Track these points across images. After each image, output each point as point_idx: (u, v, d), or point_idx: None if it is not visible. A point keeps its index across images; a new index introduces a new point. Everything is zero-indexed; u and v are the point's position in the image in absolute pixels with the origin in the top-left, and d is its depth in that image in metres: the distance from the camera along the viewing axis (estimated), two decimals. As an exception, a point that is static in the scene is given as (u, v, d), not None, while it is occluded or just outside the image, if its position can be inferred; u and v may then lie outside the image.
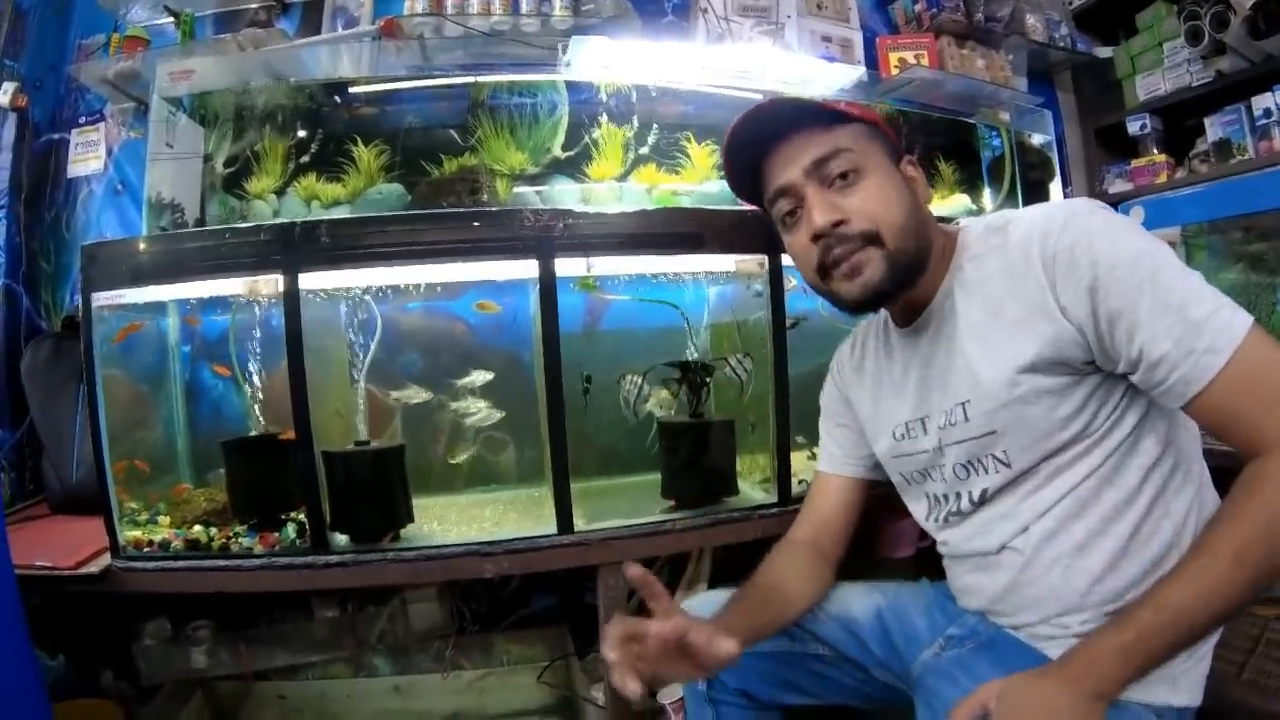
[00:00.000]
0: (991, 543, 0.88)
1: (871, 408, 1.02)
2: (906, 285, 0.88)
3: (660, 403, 1.49)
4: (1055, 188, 2.42)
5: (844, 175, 0.85)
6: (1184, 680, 0.79)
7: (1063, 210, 0.80)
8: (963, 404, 0.86)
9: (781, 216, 0.91)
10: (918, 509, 1.00)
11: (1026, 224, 0.83)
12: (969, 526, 0.91)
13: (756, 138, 0.90)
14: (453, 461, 1.60)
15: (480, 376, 1.51)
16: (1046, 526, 0.83)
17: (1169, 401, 0.75)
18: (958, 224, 0.94)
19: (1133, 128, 2.36)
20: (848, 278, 0.86)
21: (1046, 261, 0.78)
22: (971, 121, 2.35)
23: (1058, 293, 0.78)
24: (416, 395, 1.48)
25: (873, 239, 0.84)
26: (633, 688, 0.75)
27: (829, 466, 1.10)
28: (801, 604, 1.01)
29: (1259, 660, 1.10)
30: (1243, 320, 0.72)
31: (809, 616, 1.02)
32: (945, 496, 0.94)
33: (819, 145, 0.86)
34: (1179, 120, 2.32)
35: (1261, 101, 2.02)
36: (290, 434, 1.32)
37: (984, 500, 0.88)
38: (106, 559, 1.30)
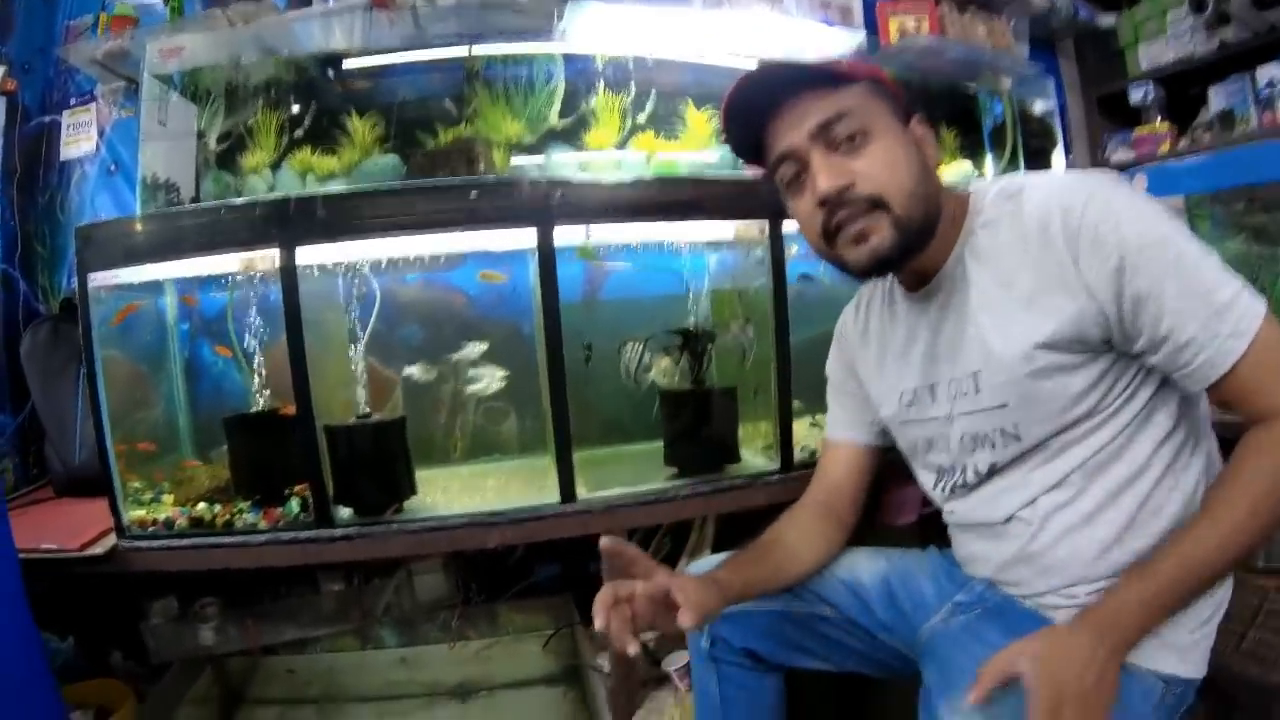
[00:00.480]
0: (998, 513, 0.88)
1: (877, 373, 1.01)
2: (915, 251, 0.86)
3: (664, 372, 1.48)
4: (1058, 156, 2.40)
5: (850, 138, 0.82)
6: (1191, 653, 0.80)
7: (1084, 185, 0.79)
8: (974, 374, 0.86)
9: (786, 181, 0.88)
10: (925, 478, 1.00)
11: (1043, 194, 0.81)
12: (975, 498, 0.91)
13: (757, 101, 0.86)
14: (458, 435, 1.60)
15: (475, 349, 1.50)
16: (1056, 499, 0.83)
17: (1191, 384, 0.77)
18: (969, 188, 0.91)
19: (1135, 96, 2.33)
20: (854, 244, 0.83)
21: (1070, 238, 0.77)
22: (973, 89, 2.33)
23: (1081, 269, 0.77)
24: (429, 372, 1.49)
25: (879, 204, 0.82)
26: (633, 648, 0.76)
27: (837, 432, 1.09)
28: (806, 560, 1.00)
29: (1259, 631, 1.10)
30: (1260, 304, 0.74)
31: (816, 578, 1.02)
32: (952, 468, 0.93)
33: (823, 108, 0.82)
34: (1182, 90, 2.29)
35: (1266, 72, 2.00)
36: (290, 409, 1.31)
37: (992, 473, 0.88)
38: (112, 539, 1.30)
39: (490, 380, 1.52)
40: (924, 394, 0.93)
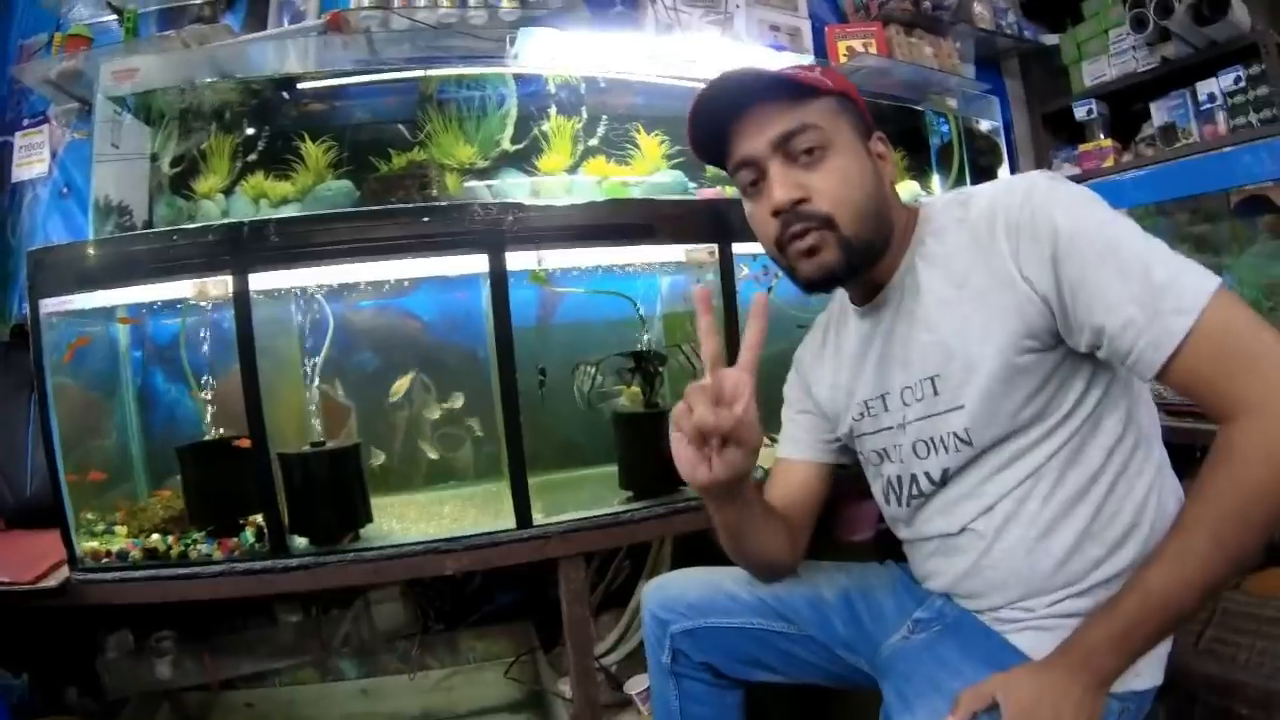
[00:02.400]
0: (953, 523, 0.88)
1: (831, 390, 1.02)
2: (863, 268, 0.87)
3: (631, 397, 1.49)
4: (1004, 173, 2.45)
5: (809, 151, 0.83)
6: (1144, 663, 0.78)
7: (1023, 182, 0.80)
8: (931, 378, 0.86)
9: (744, 185, 0.90)
10: (881, 490, 0.99)
11: (988, 196, 0.83)
12: (930, 508, 0.91)
13: (724, 104, 0.86)
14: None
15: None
16: (1008, 508, 0.83)
17: (1142, 371, 0.73)
18: (919, 203, 0.93)
19: (1080, 113, 2.41)
20: (805, 256, 0.85)
21: (1010, 231, 0.78)
22: (920, 109, 2.38)
23: (1020, 264, 0.77)
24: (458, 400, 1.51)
25: (829, 222, 0.83)
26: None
27: (791, 451, 1.08)
28: (782, 547, 0.99)
29: (1216, 629, 1.13)
30: (1210, 281, 0.70)
31: (775, 594, 1.02)
32: (903, 478, 0.93)
33: (786, 119, 0.83)
34: (1125, 105, 2.37)
35: (1206, 86, 2.07)
36: (245, 442, 1.30)
37: (945, 480, 0.88)
38: (65, 572, 1.28)
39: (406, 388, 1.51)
40: (876, 404, 0.94)
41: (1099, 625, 0.73)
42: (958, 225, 0.85)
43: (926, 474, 0.90)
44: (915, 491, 0.92)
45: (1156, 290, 0.70)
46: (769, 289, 1.51)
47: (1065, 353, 0.80)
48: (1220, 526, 0.67)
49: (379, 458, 1.59)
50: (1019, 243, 0.78)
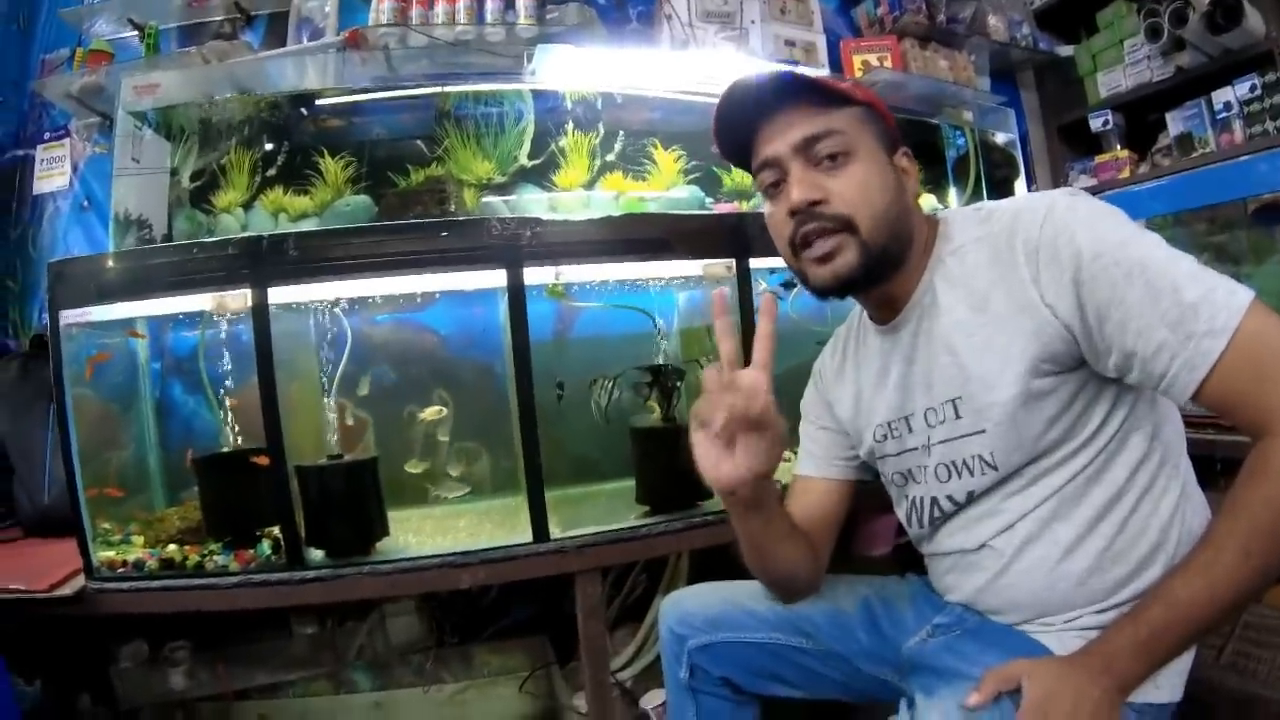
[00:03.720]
0: (972, 540, 0.87)
1: (852, 409, 1.01)
2: (878, 279, 0.86)
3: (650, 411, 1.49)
4: (1020, 185, 2.46)
5: (832, 157, 0.83)
6: (1165, 677, 0.77)
7: (1044, 200, 0.79)
8: (953, 401, 0.85)
9: (765, 186, 0.89)
10: (904, 510, 0.98)
11: (1009, 215, 0.81)
12: (951, 524, 0.91)
13: (750, 104, 0.86)
14: (411, 471, 1.59)
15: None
16: (1029, 529, 0.82)
17: (1176, 395, 0.71)
18: (938, 216, 0.92)
19: (1095, 124, 2.40)
20: (819, 262, 0.84)
21: (1029, 254, 0.77)
22: (935, 122, 2.38)
23: (1041, 287, 0.76)
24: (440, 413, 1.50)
25: (848, 225, 0.83)
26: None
27: (810, 469, 1.07)
28: (806, 562, 0.98)
29: (1238, 643, 1.11)
30: (1242, 295, 0.68)
31: (794, 608, 1.01)
32: (925, 499, 0.92)
33: (812, 123, 0.83)
34: (1141, 116, 2.36)
35: (1221, 95, 2.06)
36: (264, 460, 1.31)
37: (970, 500, 0.87)
38: (80, 581, 1.28)
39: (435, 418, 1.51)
40: (900, 425, 0.93)
41: (1122, 632, 0.72)
42: (977, 244, 0.84)
43: (949, 496, 0.89)
44: (938, 513, 0.91)
45: (1188, 311, 0.68)
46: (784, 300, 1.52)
47: (1089, 374, 0.79)
48: (1251, 541, 0.66)
49: (420, 466, 1.59)
50: (1039, 266, 0.76)
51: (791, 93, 0.85)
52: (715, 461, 0.78)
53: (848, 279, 0.85)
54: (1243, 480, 0.69)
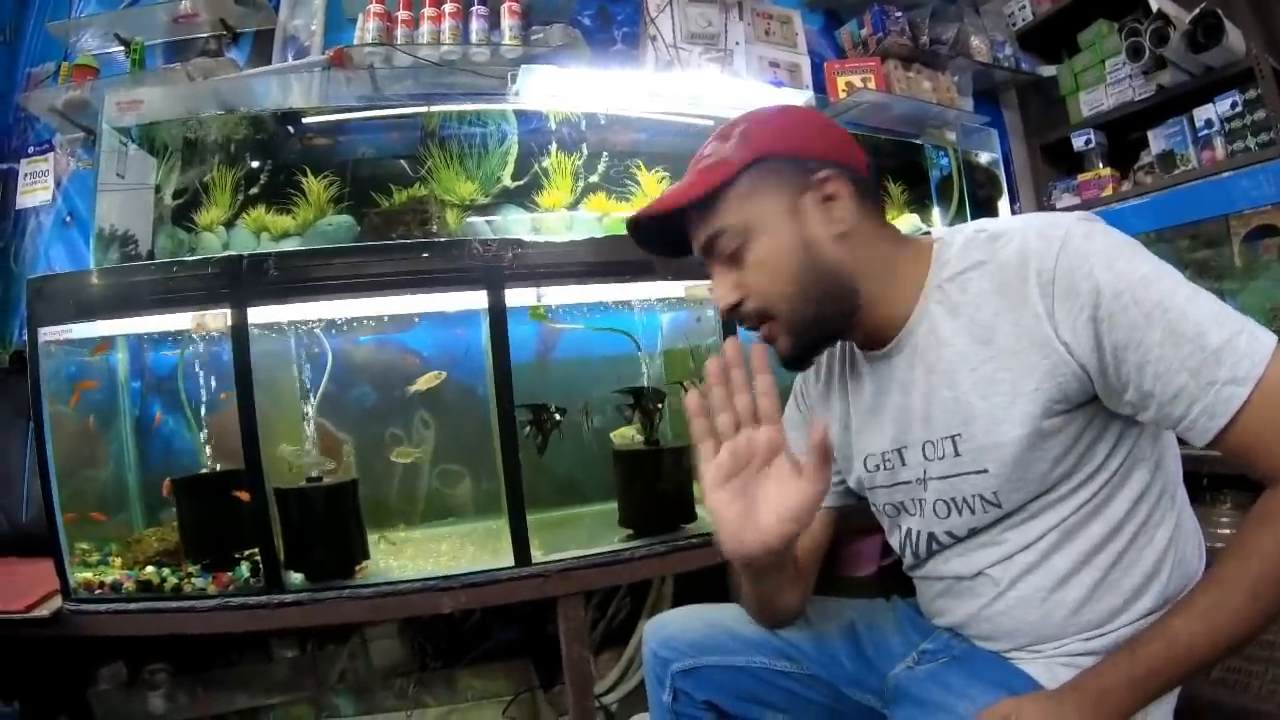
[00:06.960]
0: (969, 568, 0.86)
1: (841, 436, 0.98)
2: (826, 340, 0.86)
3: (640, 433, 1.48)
4: (1004, 204, 2.48)
5: (732, 255, 0.82)
6: (1156, 709, 0.76)
7: (1057, 229, 0.74)
8: (953, 437, 0.81)
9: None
10: (897, 540, 0.96)
11: (1018, 241, 0.76)
12: (949, 552, 0.89)
13: (656, 229, 0.88)
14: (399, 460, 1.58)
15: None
16: (1029, 559, 0.80)
17: (1193, 439, 0.69)
18: (932, 236, 0.87)
19: (1078, 143, 2.42)
20: (767, 343, 0.84)
21: (1044, 287, 0.73)
22: (919, 142, 2.40)
23: (1056, 323, 0.72)
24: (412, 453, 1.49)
25: (767, 315, 0.82)
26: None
27: None
28: (798, 599, 0.98)
29: (1230, 658, 1.12)
30: (1265, 342, 0.66)
31: (778, 632, 1.00)
32: (922, 533, 0.90)
33: (706, 225, 0.82)
34: (1123, 134, 2.39)
35: (1203, 113, 2.08)
36: (244, 495, 1.30)
37: (970, 535, 0.85)
38: (58, 601, 1.27)
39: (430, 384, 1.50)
40: (893, 457, 0.90)
41: (1118, 666, 0.71)
42: (980, 270, 0.79)
43: (949, 532, 0.87)
44: (935, 546, 0.89)
45: (1210, 358, 0.67)
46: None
47: (1097, 408, 0.76)
48: (1260, 585, 0.65)
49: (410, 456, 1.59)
50: (1054, 300, 0.72)
51: (682, 203, 0.82)
52: (740, 523, 0.75)
53: (794, 358, 0.85)
54: (1254, 524, 0.68)
